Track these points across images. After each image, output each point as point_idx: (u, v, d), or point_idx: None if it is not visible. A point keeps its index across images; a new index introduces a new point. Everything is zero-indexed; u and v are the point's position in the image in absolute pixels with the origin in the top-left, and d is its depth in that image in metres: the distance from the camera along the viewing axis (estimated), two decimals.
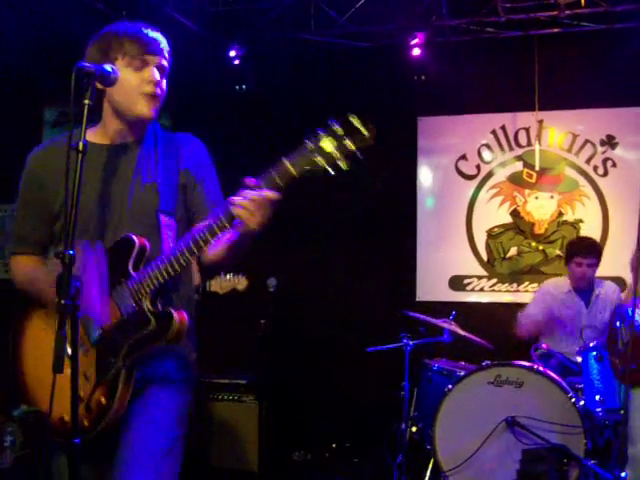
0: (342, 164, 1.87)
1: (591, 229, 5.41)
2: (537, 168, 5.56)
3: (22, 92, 6.02)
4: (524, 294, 5.49)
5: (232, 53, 5.61)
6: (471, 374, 4.17)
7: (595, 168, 5.52)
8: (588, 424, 3.92)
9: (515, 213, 5.63)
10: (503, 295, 5.60)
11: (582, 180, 5.53)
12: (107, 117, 2.20)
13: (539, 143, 5.55)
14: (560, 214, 5.55)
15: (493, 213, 5.67)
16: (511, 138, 5.66)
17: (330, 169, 1.85)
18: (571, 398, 3.94)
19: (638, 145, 5.44)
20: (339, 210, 5.85)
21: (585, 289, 4.81)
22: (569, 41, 5.46)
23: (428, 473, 4.27)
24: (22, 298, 2.30)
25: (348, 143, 1.86)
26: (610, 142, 5.49)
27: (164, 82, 2.19)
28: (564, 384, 4.03)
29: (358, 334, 5.40)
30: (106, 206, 2.15)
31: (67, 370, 1.77)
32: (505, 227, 5.64)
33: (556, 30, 5.39)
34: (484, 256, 5.66)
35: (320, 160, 1.84)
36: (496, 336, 5.08)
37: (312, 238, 5.86)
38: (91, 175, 2.13)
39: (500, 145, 5.68)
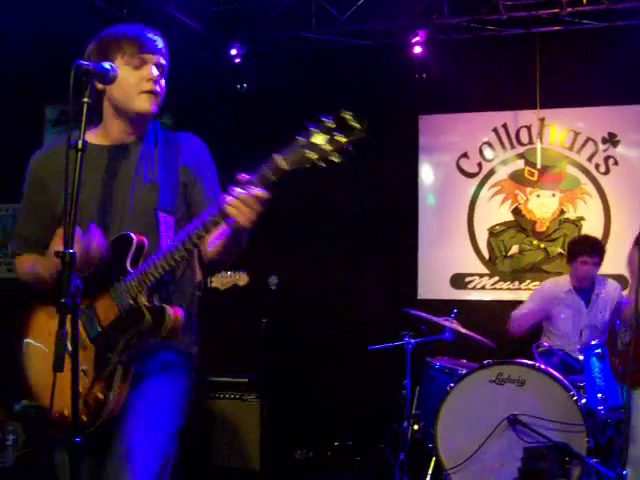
0: (335, 158, 1.85)
1: (593, 227, 5.41)
2: (539, 166, 5.55)
3: (23, 91, 6.02)
4: (526, 292, 5.48)
5: (233, 52, 5.61)
6: (473, 372, 4.17)
7: (597, 166, 5.51)
8: (590, 422, 3.91)
9: (517, 211, 5.63)
10: (504, 293, 5.60)
11: (584, 178, 5.53)
12: (107, 118, 2.22)
13: (541, 141, 5.54)
14: (562, 212, 5.55)
15: (494, 211, 5.66)
16: (512, 136, 5.65)
17: (322, 163, 1.85)
18: (573, 396, 3.94)
19: None
20: (340, 208, 5.84)
21: (586, 288, 4.81)
22: (570, 39, 5.45)
23: (430, 471, 4.26)
24: (27, 295, 2.34)
25: (340, 137, 1.85)
26: (612, 140, 5.48)
27: (163, 80, 2.21)
28: (566, 382, 4.02)
29: (360, 332, 5.40)
30: (108, 206, 2.17)
31: (68, 367, 1.79)
32: (507, 225, 5.64)
33: (557, 28, 5.38)
34: (486, 254, 5.65)
35: (312, 155, 1.84)
36: (498, 334, 5.08)
37: (313, 236, 5.86)
38: (93, 176, 2.16)
39: (502, 143, 5.68)
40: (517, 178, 5.64)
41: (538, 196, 5.59)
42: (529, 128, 5.61)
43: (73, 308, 1.77)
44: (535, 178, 5.59)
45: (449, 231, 5.74)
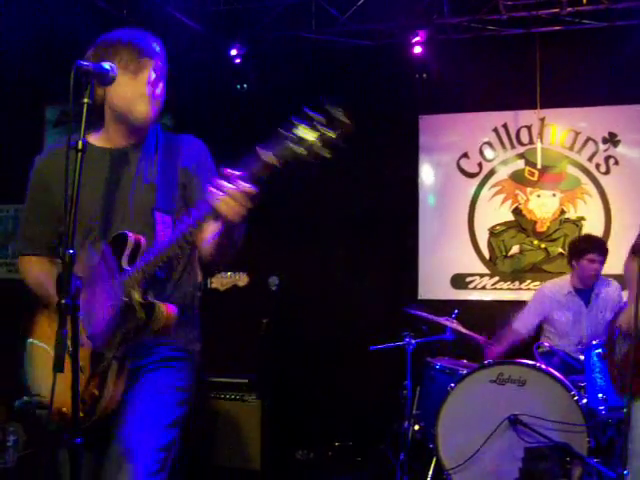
0: (325, 154, 1.89)
1: (593, 227, 5.40)
2: (539, 166, 5.55)
3: (23, 91, 6.03)
4: (526, 292, 5.48)
5: (233, 52, 5.61)
6: (473, 372, 4.17)
7: (597, 166, 5.50)
8: (591, 422, 3.91)
9: (517, 211, 5.62)
10: (505, 293, 5.59)
11: (584, 178, 5.52)
12: (109, 122, 2.25)
13: (541, 141, 5.54)
14: (562, 212, 5.54)
15: (495, 211, 5.66)
16: (513, 136, 5.65)
17: (311, 158, 1.87)
18: (574, 396, 3.94)
19: None
20: (341, 209, 5.84)
21: (586, 288, 4.80)
22: (571, 39, 5.45)
23: (431, 472, 4.26)
24: (33, 296, 2.36)
25: (328, 132, 1.86)
26: (612, 140, 5.48)
27: (161, 84, 2.22)
28: (567, 382, 4.02)
29: (360, 333, 5.40)
30: (110, 207, 2.20)
31: (69, 367, 1.81)
32: (507, 225, 5.63)
33: (558, 28, 5.38)
34: (486, 254, 5.65)
35: (301, 151, 1.85)
36: (498, 334, 5.09)
37: (314, 237, 5.86)
38: (95, 178, 2.19)
39: (502, 143, 5.67)
40: (517, 178, 5.64)
41: (538, 196, 5.59)
42: (529, 128, 5.60)
43: (73, 309, 1.78)
44: (535, 178, 5.59)
45: (449, 231, 5.73)
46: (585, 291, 4.80)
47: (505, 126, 5.66)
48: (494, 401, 4.06)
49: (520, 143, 5.64)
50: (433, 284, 5.70)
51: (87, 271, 2.14)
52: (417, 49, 5.42)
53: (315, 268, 5.80)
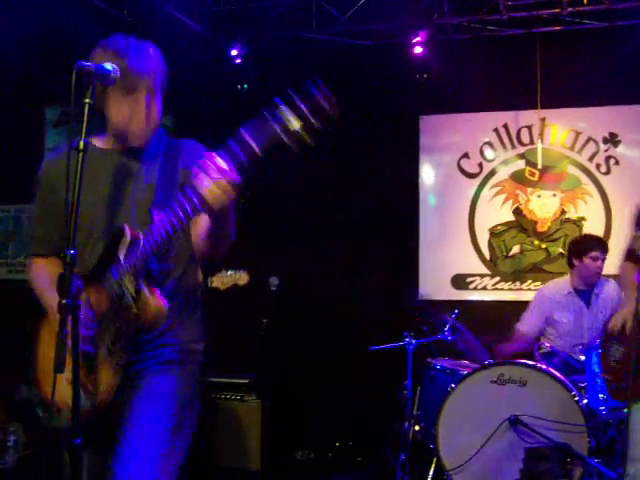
0: (307, 139, 1.90)
1: (594, 227, 5.40)
2: (539, 166, 5.55)
3: (23, 92, 6.02)
4: (527, 292, 5.48)
5: (234, 52, 5.61)
6: (474, 373, 4.16)
7: (598, 166, 5.50)
8: (592, 422, 3.91)
9: (518, 211, 5.62)
10: (506, 293, 5.59)
11: (585, 178, 5.52)
12: (110, 129, 2.27)
13: (541, 141, 5.54)
14: (563, 212, 5.54)
15: (496, 211, 5.66)
16: (513, 136, 5.65)
17: (295, 146, 1.88)
18: (574, 396, 3.93)
19: None
20: (341, 209, 5.84)
21: (586, 289, 4.80)
22: (571, 39, 5.45)
23: (431, 472, 4.26)
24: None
25: (313, 120, 1.88)
26: (613, 140, 5.48)
27: (155, 103, 2.22)
28: (567, 382, 4.02)
29: (360, 333, 5.40)
30: (113, 208, 2.22)
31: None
32: (508, 225, 5.63)
33: (558, 28, 5.39)
34: (487, 254, 5.65)
35: (286, 138, 1.87)
36: (499, 334, 5.08)
37: (314, 237, 5.85)
38: (98, 180, 2.23)
39: (502, 143, 5.67)
40: (518, 178, 5.64)
41: (539, 196, 5.59)
42: (530, 128, 5.60)
43: (74, 309, 1.78)
44: (536, 178, 5.59)
45: (450, 231, 5.73)
46: (585, 291, 4.79)
47: (506, 126, 5.66)
48: (495, 401, 4.05)
49: (521, 143, 5.63)
50: (434, 284, 5.70)
51: (89, 270, 2.15)
52: (417, 49, 5.42)
53: (315, 268, 5.79)
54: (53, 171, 2.31)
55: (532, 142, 5.60)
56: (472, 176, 5.72)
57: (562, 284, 4.88)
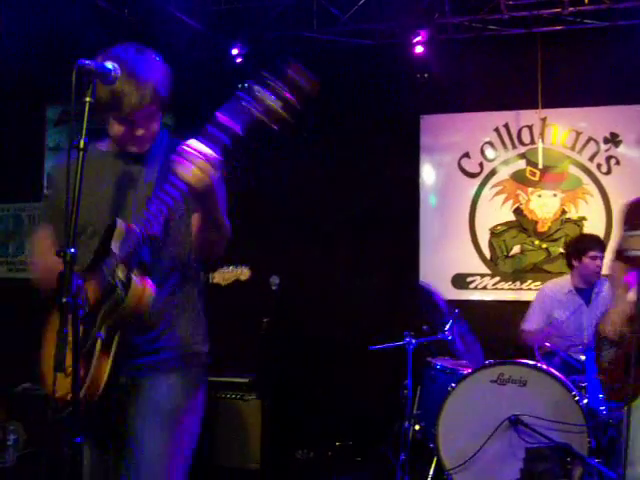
0: (284, 116, 1.92)
1: (594, 227, 5.40)
2: (540, 166, 5.55)
3: (24, 90, 6.02)
4: (527, 292, 5.48)
5: (234, 51, 5.60)
6: (474, 372, 4.16)
7: (598, 166, 5.50)
8: (592, 422, 3.91)
9: (518, 211, 5.62)
10: (506, 293, 5.59)
11: (585, 178, 5.52)
12: (112, 137, 2.30)
13: (542, 141, 5.54)
14: (563, 212, 5.54)
15: (496, 211, 5.66)
16: (514, 136, 5.64)
17: (274, 126, 1.90)
18: (575, 396, 3.93)
19: None
20: (342, 208, 5.84)
21: (587, 288, 4.80)
22: (572, 38, 5.45)
23: (431, 472, 4.26)
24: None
25: (290, 98, 1.90)
26: (613, 140, 5.47)
27: (153, 125, 2.24)
28: (568, 382, 4.02)
29: (361, 332, 5.40)
30: (117, 209, 2.23)
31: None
32: (508, 225, 5.63)
33: (559, 27, 5.38)
34: (487, 254, 5.65)
35: (264, 118, 1.90)
36: (499, 334, 5.08)
37: (315, 236, 5.85)
38: (102, 182, 2.25)
39: (503, 143, 5.67)
40: (519, 178, 5.63)
41: (540, 196, 5.58)
42: (531, 128, 5.60)
43: (74, 307, 1.79)
44: (537, 178, 5.59)
45: (450, 231, 5.73)
46: (586, 290, 4.80)
47: (506, 126, 5.65)
48: (495, 401, 4.05)
49: (521, 143, 5.63)
50: (434, 284, 5.67)
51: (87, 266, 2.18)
52: (418, 49, 5.41)
53: (316, 268, 5.79)
54: (58, 173, 2.34)
55: (533, 142, 5.59)
56: (473, 176, 5.72)
57: (563, 283, 4.88)
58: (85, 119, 1.88)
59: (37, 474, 4.59)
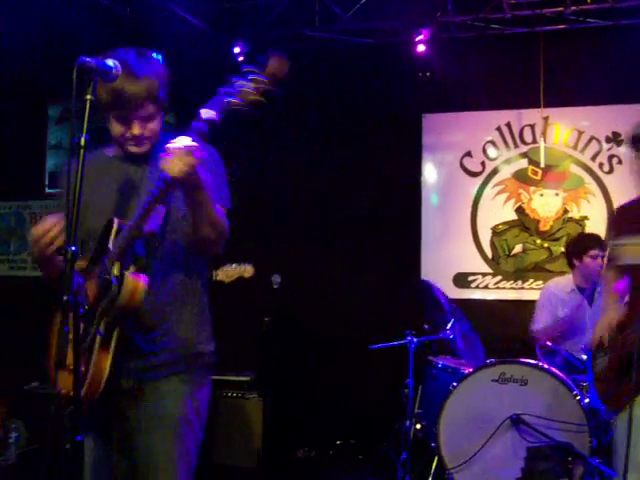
0: (258, 98, 2.01)
1: (596, 226, 5.38)
2: (542, 165, 5.54)
3: (26, 88, 6.03)
4: (529, 291, 5.48)
5: (236, 50, 5.60)
6: (476, 372, 4.16)
7: (600, 165, 5.49)
8: (593, 422, 3.90)
9: (520, 210, 5.61)
10: (508, 292, 5.59)
11: (587, 177, 5.51)
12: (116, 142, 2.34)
13: (544, 140, 5.53)
14: (565, 211, 5.53)
15: (498, 210, 5.65)
16: (516, 135, 5.64)
17: (248, 107, 1.98)
18: (576, 396, 3.93)
19: None
20: (343, 207, 5.84)
21: (589, 287, 4.79)
22: (575, 37, 5.44)
23: (432, 471, 4.26)
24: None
25: (265, 83, 2.03)
26: (616, 139, 5.47)
27: (152, 125, 2.25)
28: (569, 382, 4.01)
29: (362, 331, 5.39)
30: (121, 211, 2.25)
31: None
32: (510, 224, 5.63)
33: (562, 26, 5.37)
34: (489, 253, 5.64)
35: (235, 101, 1.98)
36: (501, 333, 5.08)
37: (316, 235, 5.85)
38: (107, 187, 2.29)
39: (505, 142, 5.66)
40: (521, 177, 5.63)
41: (542, 195, 5.58)
42: (533, 127, 5.59)
43: (75, 305, 1.79)
44: (539, 177, 5.58)
45: (452, 230, 5.73)
46: (588, 289, 4.79)
47: (508, 125, 5.65)
48: (496, 400, 4.05)
49: (523, 142, 5.63)
50: (435, 283, 5.68)
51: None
52: (420, 47, 5.41)
53: (317, 266, 5.79)
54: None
55: (535, 141, 5.59)
56: (474, 175, 5.72)
57: (565, 282, 4.88)
58: (86, 117, 1.88)
59: (38, 472, 4.60)
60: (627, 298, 3.09)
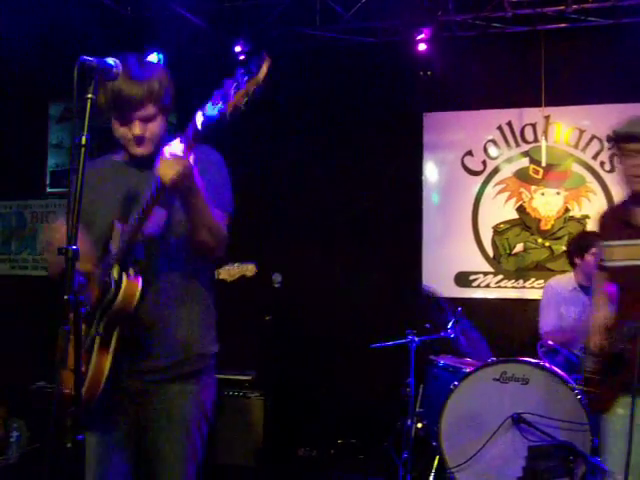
0: (241, 106, 2.02)
1: None
2: (543, 164, 5.54)
3: (27, 88, 6.03)
4: (530, 290, 5.47)
5: (237, 49, 5.60)
6: (477, 371, 4.16)
7: (602, 164, 5.49)
8: (594, 421, 3.90)
9: (521, 209, 5.61)
10: (509, 291, 5.58)
11: (589, 176, 5.51)
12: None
13: (545, 139, 5.53)
14: (567, 210, 5.53)
15: (499, 209, 5.65)
16: (517, 134, 5.63)
17: (235, 112, 1.99)
18: (577, 395, 3.92)
19: None
20: (344, 206, 5.84)
21: (590, 286, 4.78)
22: (576, 36, 5.44)
23: (434, 470, 4.26)
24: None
25: (251, 86, 2.04)
26: None
27: (153, 126, 2.26)
28: (570, 380, 4.01)
29: (363, 330, 5.39)
30: (127, 214, 2.25)
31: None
32: (511, 223, 5.62)
33: (563, 25, 5.37)
34: (490, 252, 5.64)
35: (236, 109, 1.99)
36: (502, 332, 5.08)
37: (317, 234, 5.85)
38: (114, 192, 2.30)
39: (506, 141, 5.66)
40: (522, 176, 5.62)
41: (543, 194, 5.57)
42: (534, 126, 5.59)
43: (76, 305, 1.80)
44: (540, 176, 5.58)
45: (453, 229, 5.72)
46: (590, 288, 4.77)
47: (510, 124, 5.64)
48: (497, 399, 4.05)
49: (525, 141, 5.62)
50: (437, 282, 5.66)
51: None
52: (421, 46, 5.40)
53: (318, 265, 5.79)
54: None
55: (536, 140, 5.58)
56: (476, 174, 5.71)
57: (567, 280, 4.87)
58: (87, 116, 1.89)
59: (39, 471, 4.60)
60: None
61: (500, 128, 5.67)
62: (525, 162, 5.62)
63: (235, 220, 2.41)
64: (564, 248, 5.42)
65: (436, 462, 4.24)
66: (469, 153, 5.72)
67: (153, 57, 5.23)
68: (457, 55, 5.57)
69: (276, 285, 4.92)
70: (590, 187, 5.50)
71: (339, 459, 5.41)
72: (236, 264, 4.34)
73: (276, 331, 5.04)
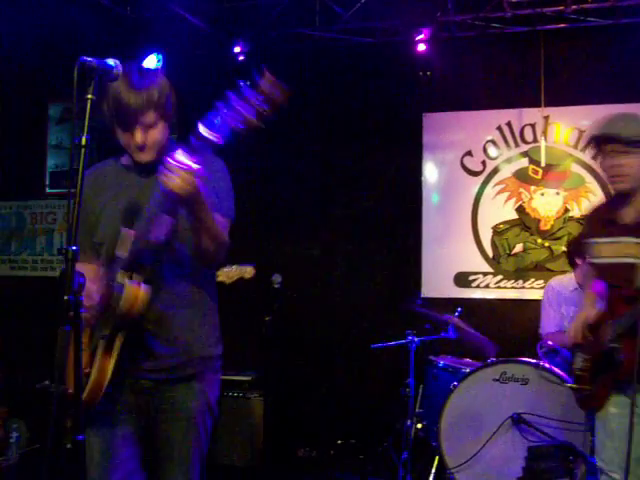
0: (257, 124, 2.03)
1: None
2: (543, 164, 5.54)
3: (26, 88, 6.03)
4: (529, 291, 5.47)
5: (236, 49, 5.60)
6: (476, 371, 4.16)
7: None
8: (594, 421, 3.89)
9: (521, 209, 5.61)
10: (508, 292, 5.58)
11: (588, 176, 5.51)
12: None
13: (545, 139, 5.53)
14: (566, 210, 5.53)
15: (499, 209, 5.65)
16: (517, 134, 5.63)
17: (246, 130, 2.01)
18: None
19: None
20: (344, 207, 5.84)
21: None
22: (575, 36, 5.44)
23: (433, 470, 4.26)
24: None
25: (262, 107, 2.02)
26: None
27: (154, 133, 2.27)
28: (570, 381, 4.00)
29: (363, 331, 5.40)
30: (132, 217, 2.28)
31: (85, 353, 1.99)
32: (511, 223, 5.62)
33: (562, 25, 5.37)
34: (489, 252, 5.64)
35: (238, 125, 2.00)
36: (501, 333, 5.07)
37: (317, 235, 5.85)
38: (122, 197, 2.32)
39: (506, 141, 5.66)
40: (521, 176, 5.62)
41: (542, 194, 5.57)
42: (533, 126, 5.59)
43: (75, 305, 1.80)
44: (539, 176, 5.58)
45: (453, 229, 5.72)
46: None
47: (509, 124, 5.65)
48: (497, 400, 4.05)
49: (524, 141, 5.62)
50: (436, 282, 5.69)
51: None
52: (421, 47, 5.40)
53: (318, 266, 5.79)
54: (86, 186, 2.39)
55: (535, 140, 5.58)
56: (475, 174, 5.71)
57: (567, 280, 4.86)
58: (87, 117, 1.89)
59: (39, 472, 4.60)
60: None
61: (499, 128, 5.67)
62: (524, 162, 5.62)
63: (235, 220, 2.43)
64: (564, 248, 5.42)
65: (436, 462, 4.24)
66: (468, 153, 5.72)
67: (152, 58, 5.24)
68: (456, 55, 5.57)
69: (276, 286, 4.92)
70: (589, 187, 5.50)
71: (339, 459, 5.41)
72: (234, 266, 4.34)
73: (276, 331, 5.04)
